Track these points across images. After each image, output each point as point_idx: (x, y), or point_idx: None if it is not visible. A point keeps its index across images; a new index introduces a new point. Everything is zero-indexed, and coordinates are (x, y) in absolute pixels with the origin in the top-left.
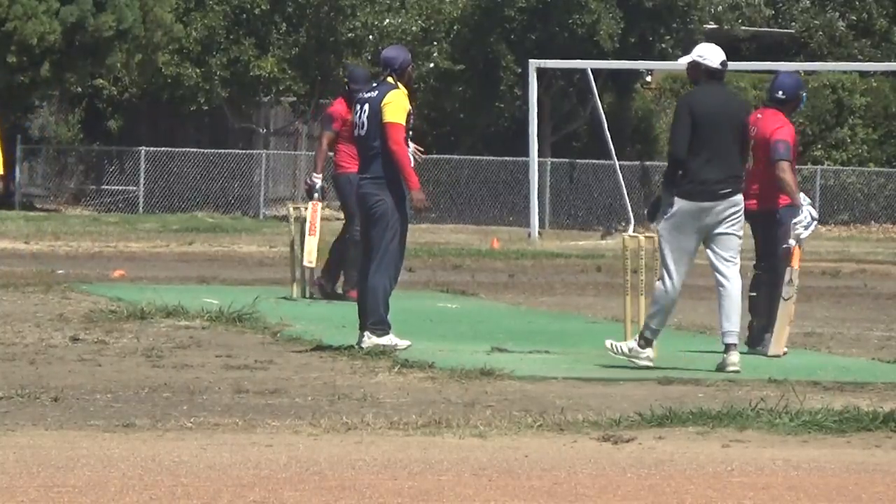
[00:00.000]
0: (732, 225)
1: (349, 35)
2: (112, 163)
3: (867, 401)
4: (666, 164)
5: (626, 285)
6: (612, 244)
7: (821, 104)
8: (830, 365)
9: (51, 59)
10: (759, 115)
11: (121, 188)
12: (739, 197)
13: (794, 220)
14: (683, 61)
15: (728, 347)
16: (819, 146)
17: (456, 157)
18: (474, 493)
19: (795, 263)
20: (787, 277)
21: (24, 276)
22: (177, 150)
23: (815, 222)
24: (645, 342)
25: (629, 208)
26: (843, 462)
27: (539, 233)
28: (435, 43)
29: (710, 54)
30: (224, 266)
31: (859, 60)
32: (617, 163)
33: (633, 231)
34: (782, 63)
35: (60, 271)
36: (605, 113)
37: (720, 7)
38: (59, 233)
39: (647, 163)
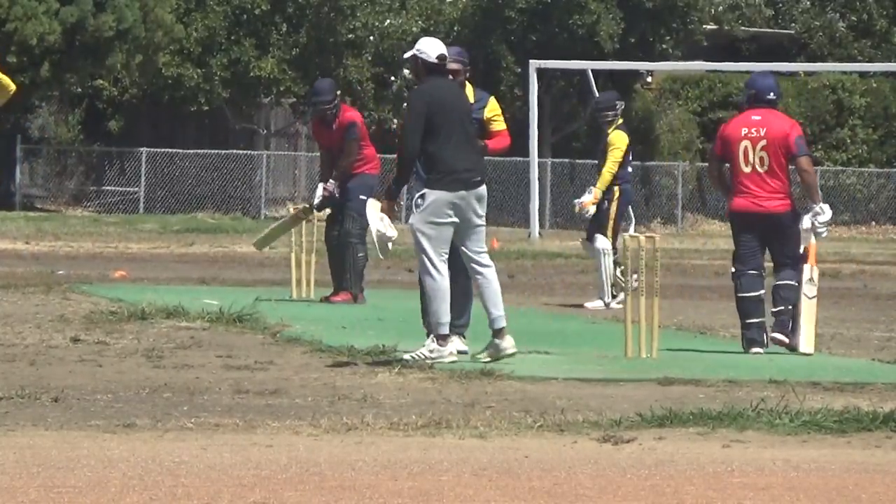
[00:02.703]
0: (481, 216)
1: (349, 36)
2: (112, 163)
3: (867, 401)
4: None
5: (626, 286)
6: None
7: (821, 105)
8: (830, 365)
9: (51, 60)
10: (755, 117)
11: (121, 189)
12: (484, 188)
13: (821, 220)
14: (406, 55)
15: (499, 332)
16: (819, 147)
17: None
18: (474, 494)
19: (813, 261)
20: (807, 275)
21: (24, 276)
22: (177, 150)
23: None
24: (443, 339)
25: (629, 209)
26: (843, 462)
27: (539, 233)
28: None
29: (427, 48)
30: (224, 267)
31: (859, 61)
32: None
33: (634, 231)
34: (782, 64)
35: (61, 272)
36: None
37: (720, 7)
38: (60, 233)
39: (648, 163)
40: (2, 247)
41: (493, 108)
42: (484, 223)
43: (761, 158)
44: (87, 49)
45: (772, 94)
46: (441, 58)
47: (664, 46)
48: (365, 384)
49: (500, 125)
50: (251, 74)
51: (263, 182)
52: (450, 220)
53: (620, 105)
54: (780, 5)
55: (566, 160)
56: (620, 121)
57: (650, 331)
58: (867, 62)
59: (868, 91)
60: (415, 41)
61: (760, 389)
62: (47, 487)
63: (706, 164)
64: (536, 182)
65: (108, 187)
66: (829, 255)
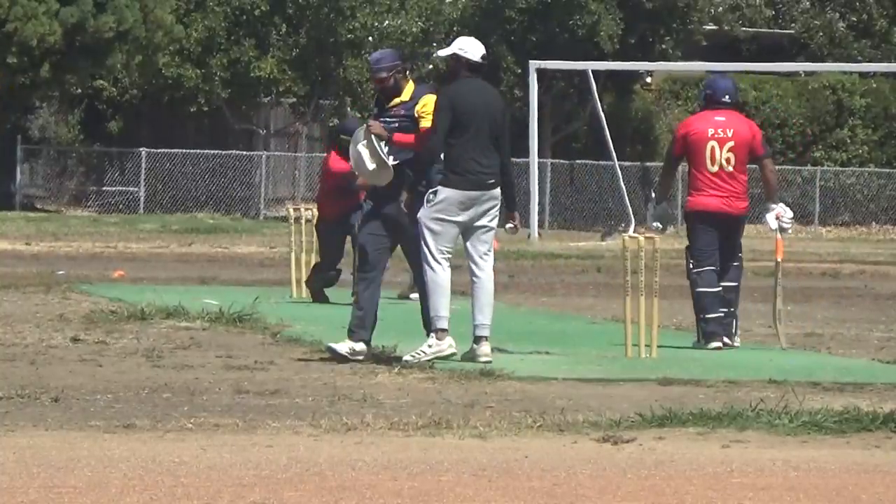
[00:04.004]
0: (492, 218)
1: (349, 36)
2: (112, 164)
3: (867, 401)
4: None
5: (626, 286)
6: (612, 245)
7: (821, 105)
8: (830, 365)
9: (51, 61)
10: (719, 118)
11: (121, 189)
12: (499, 190)
13: (787, 217)
14: (443, 53)
15: (479, 339)
16: (819, 147)
17: None
18: (474, 494)
19: (780, 255)
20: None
21: (24, 276)
22: (177, 151)
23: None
24: (442, 333)
25: (629, 209)
26: (843, 462)
27: (539, 233)
28: (434, 44)
29: (471, 48)
30: (224, 267)
31: (859, 61)
32: (617, 163)
33: (634, 232)
34: (782, 64)
35: (61, 272)
36: (604, 114)
37: (720, 8)
38: (60, 233)
39: (648, 164)
40: (2, 247)
41: (424, 105)
42: (492, 227)
43: (728, 159)
44: (87, 49)
45: (727, 96)
46: (484, 57)
47: (664, 47)
48: (365, 384)
49: (424, 122)
50: (251, 75)
51: (263, 182)
52: (457, 218)
53: None
54: (780, 5)
55: (566, 161)
56: None
57: (650, 331)
58: (867, 62)
59: (868, 91)
60: (415, 41)
61: (760, 389)
62: (47, 487)
63: None
64: (536, 182)
65: (108, 187)
66: (829, 256)
